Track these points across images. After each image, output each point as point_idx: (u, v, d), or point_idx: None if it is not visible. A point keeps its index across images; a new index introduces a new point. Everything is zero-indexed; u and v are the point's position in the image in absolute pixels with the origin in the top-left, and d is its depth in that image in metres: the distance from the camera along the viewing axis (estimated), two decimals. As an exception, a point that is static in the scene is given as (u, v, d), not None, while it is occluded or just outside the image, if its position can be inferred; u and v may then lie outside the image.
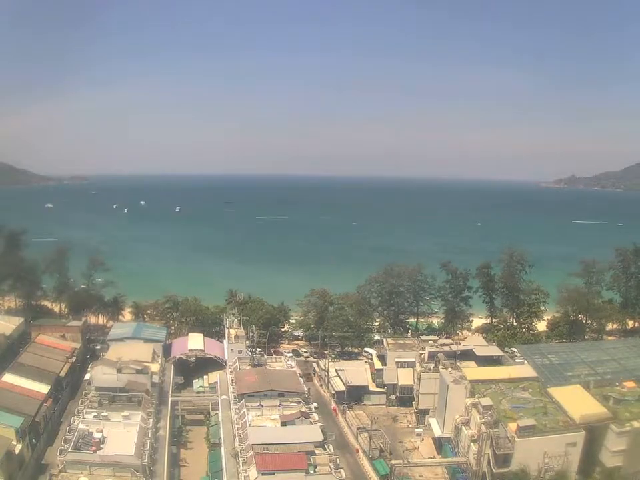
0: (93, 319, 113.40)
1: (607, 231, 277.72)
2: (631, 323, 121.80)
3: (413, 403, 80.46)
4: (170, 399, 73.94)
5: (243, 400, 67.66)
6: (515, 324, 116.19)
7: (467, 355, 79.93)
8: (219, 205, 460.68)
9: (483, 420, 59.12)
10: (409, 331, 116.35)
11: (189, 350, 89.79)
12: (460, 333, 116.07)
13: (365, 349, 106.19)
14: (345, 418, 78.15)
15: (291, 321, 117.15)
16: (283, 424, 62.79)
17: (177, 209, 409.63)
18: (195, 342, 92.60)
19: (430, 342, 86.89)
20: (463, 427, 63.41)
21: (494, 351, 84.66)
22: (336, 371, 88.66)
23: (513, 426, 57.11)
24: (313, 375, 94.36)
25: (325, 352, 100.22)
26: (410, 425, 79.14)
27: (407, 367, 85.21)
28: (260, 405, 66.50)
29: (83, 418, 61.40)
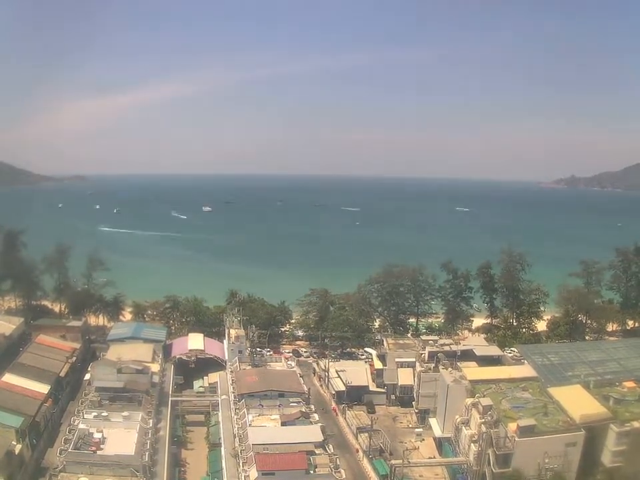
0: (93, 319, 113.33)
1: (607, 231, 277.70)
2: (631, 323, 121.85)
3: (413, 403, 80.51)
4: (170, 399, 73.99)
5: (243, 400, 67.69)
6: (515, 324, 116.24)
7: (467, 355, 79.98)
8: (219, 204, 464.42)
9: (483, 420, 59.10)
10: (409, 331, 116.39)
11: (189, 350, 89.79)
12: (460, 333, 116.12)
13: (365, 348, 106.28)
14: (345, 418, 78.19)
15: (292, 321, 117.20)
16: (283, 424, 62.84)
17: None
18: (195, 342, 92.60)
19: (430, 342, 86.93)
20: (463, 427, 63.44)
21: (494, 350, 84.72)
22: (336, 371, 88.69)
23: (513, 426, 57.16)
24: (313, 374, 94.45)
25: (325, 352, 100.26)
26: (410, 425, 79.14)
27: (407, 367, 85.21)
28: (260, 405, 66.57)
29: (83, 418, 61.51)
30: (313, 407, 69.66)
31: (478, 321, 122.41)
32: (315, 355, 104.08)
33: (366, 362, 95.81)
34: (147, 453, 56.29)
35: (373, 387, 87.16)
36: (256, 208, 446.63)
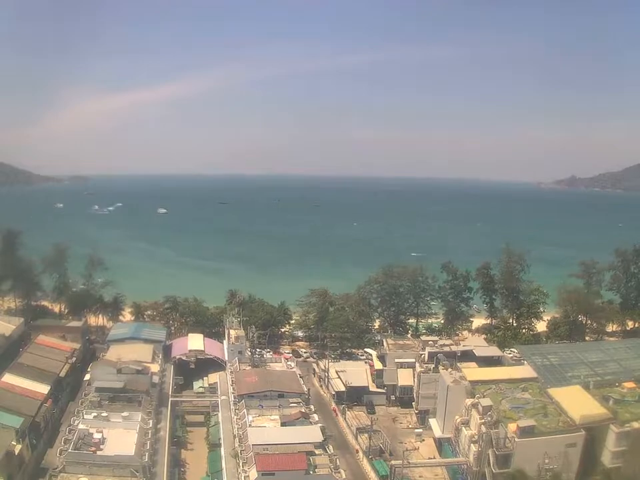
0: (92, 319, 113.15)
1: (608, 232, 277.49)
2: (631, 324, 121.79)
3: (413, 403, 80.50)
4: (170, 399, 74.00)
5: (243, 400, 67.70)
6: (515, 324, 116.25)
7: (467, 356, 79.88)
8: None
9: (483, 420, 59.16)
10: (409, 331, 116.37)
11: (189, 350, 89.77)
12: (460, 334, 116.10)
13: (365, 349, 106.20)
14: (345, 418, 78.17)
15: (292, 321, 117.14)
16: (283, 424, 62.84)
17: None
18: (195, 342, 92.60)
19: (430, 342, 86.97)
20: (462, 427, 63.45)
21: (494, 351, 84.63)
22: (336, 371, 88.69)
23: (513, 426, 57.13)
24: (313, 375, 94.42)
25: (325, 352, 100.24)
26: (410, 426, 79.12)
27: (407, 368, 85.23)
28: (260, 405, 66.57)
29: (83, 418, 61.47)
30: (312, 407, 69.70)
31: (478, 322, 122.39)
32: (314, 356, 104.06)
33: (366, 362, 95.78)
34: (146, 454, 56.32)
35: (372, 388, 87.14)
36: (255, 208, 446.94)
